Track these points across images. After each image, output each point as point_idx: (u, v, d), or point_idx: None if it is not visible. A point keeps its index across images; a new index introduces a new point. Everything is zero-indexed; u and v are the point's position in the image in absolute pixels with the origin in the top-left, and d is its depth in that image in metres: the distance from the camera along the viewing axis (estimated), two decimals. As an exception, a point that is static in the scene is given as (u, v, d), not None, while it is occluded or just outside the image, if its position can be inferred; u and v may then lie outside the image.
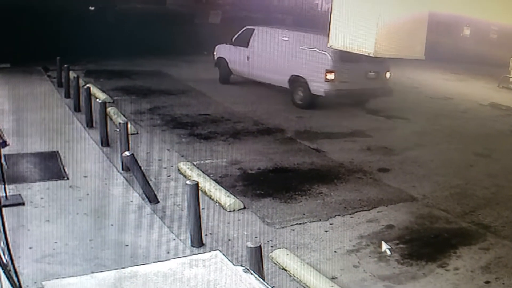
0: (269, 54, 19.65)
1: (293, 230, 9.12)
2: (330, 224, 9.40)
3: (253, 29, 20.70)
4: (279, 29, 20.50)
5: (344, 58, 16.86)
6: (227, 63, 21.57)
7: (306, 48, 18.23)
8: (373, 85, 18.50)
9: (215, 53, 22.24)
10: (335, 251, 8.48)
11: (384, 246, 8.62)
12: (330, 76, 17.56)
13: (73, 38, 22.12)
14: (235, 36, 21.21)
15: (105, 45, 23.28)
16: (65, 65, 18.09)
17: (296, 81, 18.52)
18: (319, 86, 17.85)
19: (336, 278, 7.68)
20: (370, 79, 18.35)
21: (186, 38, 26.87)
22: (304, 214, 9.74)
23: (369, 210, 10.13)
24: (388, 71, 18.77)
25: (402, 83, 23.89)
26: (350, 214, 9.89)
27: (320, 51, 17.55)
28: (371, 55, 11.02)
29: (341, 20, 11.72)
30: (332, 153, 13.44)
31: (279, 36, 19.61)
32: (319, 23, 24.85)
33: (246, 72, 20.89)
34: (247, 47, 20.53)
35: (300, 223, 9.36)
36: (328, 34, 12.14)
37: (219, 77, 21.88)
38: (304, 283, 7.44)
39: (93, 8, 27.59)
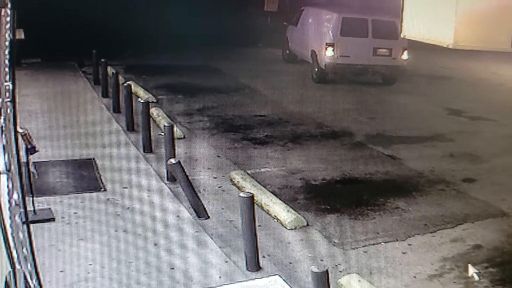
0: (305, 32, 22.92)
1: (365, 252, 8.99)
2: (409, 245, 9.26)
3: (303, 9, 24.13)
4: (322, 9, 22.99)
5: (347, 32, 20.41)
6: (288, 42, 25.22)
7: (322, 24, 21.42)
8: (383, 62, 20.94)
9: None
10: (414, 277, 8.34)
11: (471, 270, 8.48)
12: (330, 49, 20.59)
13: (111, 29, 22.38)
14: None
15: (147, 36, 23.48)
16: (102, 60, 18.35)
17: (314, 55, 21.61)
18: (322, 59, 20.91)
19: (416, 309, 7.53)
20: (380, 56, 20.89)
21: (239, 29, 26.95)
22: (378, 233, 9.61)
23: (453, 227, 9.96)
24: (406, 49, 20.74)
25: (486, 79, 23.56)
26: (431, 232, 9.73)
27: (327, 26, 20.86)
28: (450, 46, 10.83)
29: (416, 6, 11.57)
30: (410, 160, 13.28)
31: (319, 15, 22.30)
32: (390, 6, 25.45)
33: (293, 49, 24.69)
34: (296, 25, 24.16)
35: (373, 244, 9.24)
36: (401, 23, 12.07)
37: (282, 56, 25.98)
38: (379, 315, 7.30)
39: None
